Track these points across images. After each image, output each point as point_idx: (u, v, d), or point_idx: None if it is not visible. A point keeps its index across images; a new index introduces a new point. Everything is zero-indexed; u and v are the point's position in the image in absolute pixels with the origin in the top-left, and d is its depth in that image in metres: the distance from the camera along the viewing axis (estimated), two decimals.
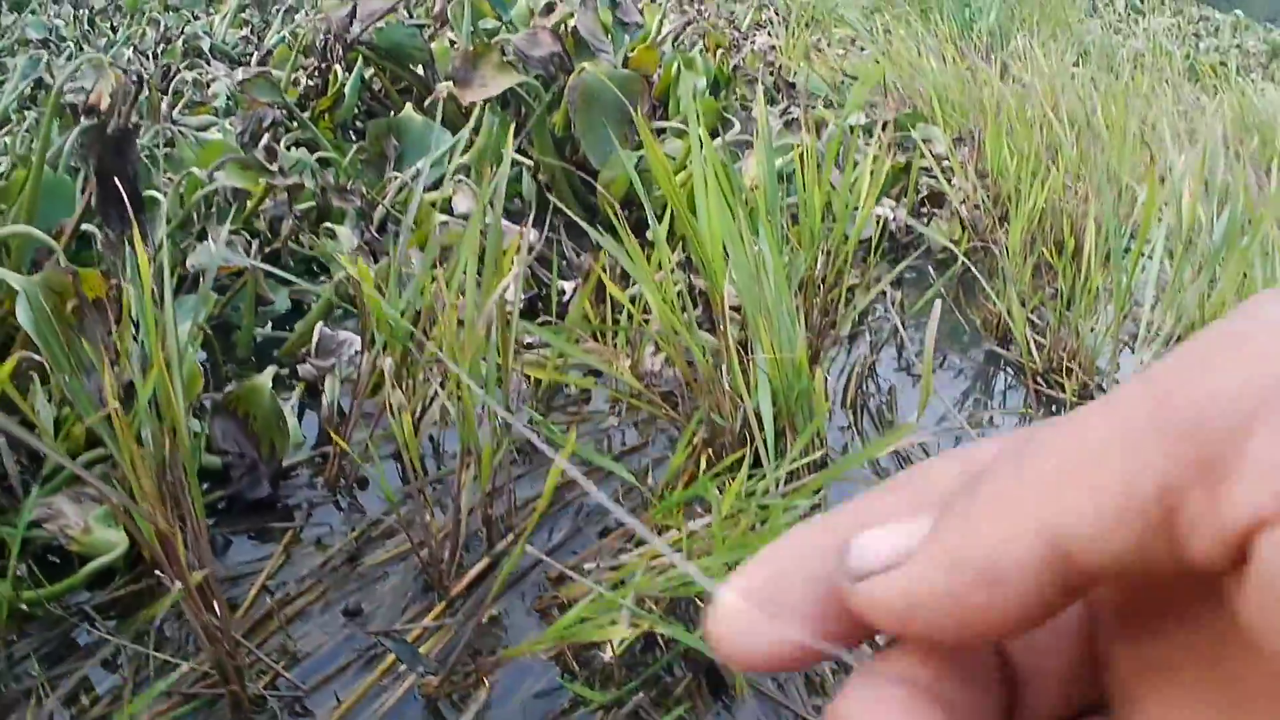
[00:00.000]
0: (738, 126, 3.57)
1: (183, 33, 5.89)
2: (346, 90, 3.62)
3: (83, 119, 2.75)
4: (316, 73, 3.94)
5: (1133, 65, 7.40)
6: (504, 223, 2.60)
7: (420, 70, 3.89)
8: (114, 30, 6.42)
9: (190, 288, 2.47)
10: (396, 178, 2.99)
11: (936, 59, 5.32)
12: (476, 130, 3.28)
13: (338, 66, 3.68)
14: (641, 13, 3.66)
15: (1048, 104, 4.29)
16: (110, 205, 2.03)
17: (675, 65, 3.76)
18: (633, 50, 3.56)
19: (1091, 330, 2.88)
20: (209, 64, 5.26)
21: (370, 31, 3.79)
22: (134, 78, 4.55)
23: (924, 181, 3.86)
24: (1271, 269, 2.93)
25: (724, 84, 4.07)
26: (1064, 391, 2.76)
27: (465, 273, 1.82)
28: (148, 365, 1.58)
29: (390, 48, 3.81)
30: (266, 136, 3.34)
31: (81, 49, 5.65)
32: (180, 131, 3.86)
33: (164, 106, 4.10)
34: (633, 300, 2.41)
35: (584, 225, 2.23)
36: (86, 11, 6.83)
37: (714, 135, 3.62)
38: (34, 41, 5.77)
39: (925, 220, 3.72)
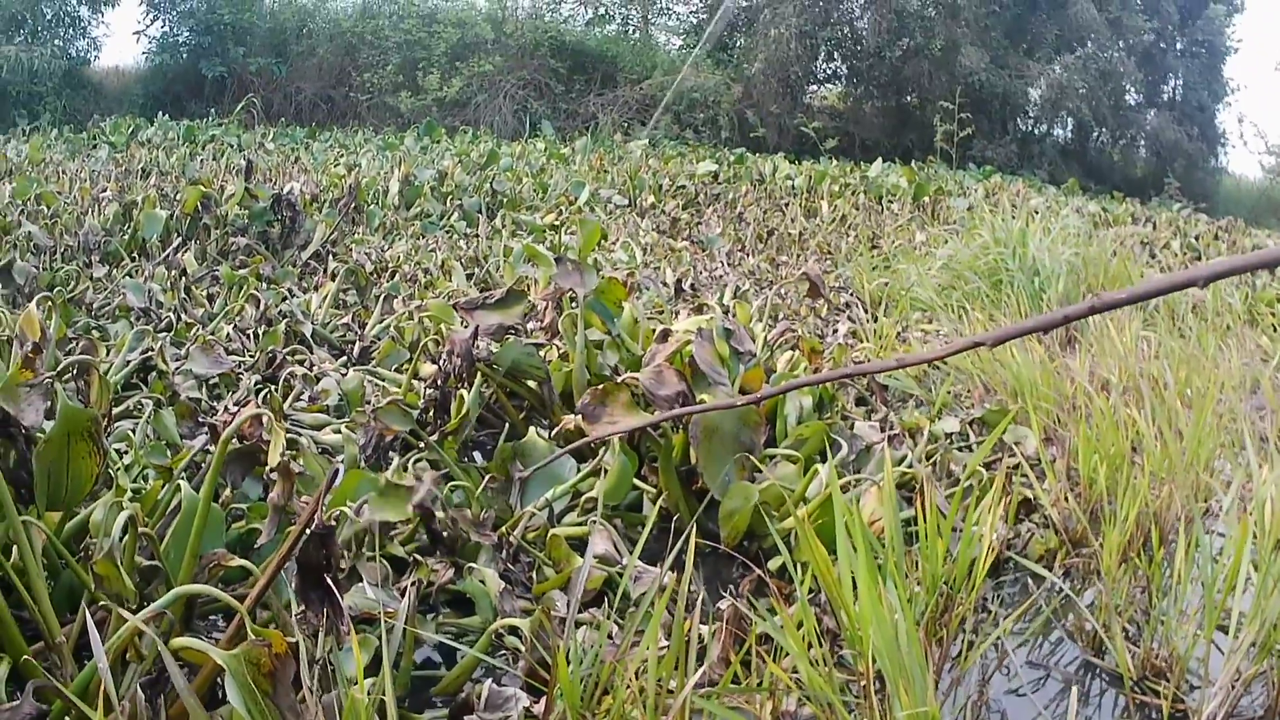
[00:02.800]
0: (845, 448, 3.79)
1: (281, 312, 6.14)
2: (469, 411, 3.85)
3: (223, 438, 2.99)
4: (435, 385, 4.15)
5: (1197, 318, 7.60)
6: (644, 567, 2.82)
7: (535, 385, 4.14)
8: (210, 300, 6.66)
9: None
10: (528, 512, 3.22)
11: (1018, 346, 5.52)
12: (590, 455, 3.53)
13: (463, 391, 3.91)
14: (753, 339, 3.90)
15: (1132, 401, 4.48)
16: (311, 590, 2.26)
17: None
18: None
19: (1183, 637, 3.01)
20: (311, 350, 5.53)
21: (490, 348, 4.07)
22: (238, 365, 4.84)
23: (1017, 486, 4.02)
24: None
25: (828, 401, 4.29)
26: (1160, 698, 2.88)
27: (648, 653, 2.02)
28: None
29: (509, 365, 4.07)
30: (395, 459, 3.59)
31: (179, 318, 5.92)
32: (296, 431, 4.11)
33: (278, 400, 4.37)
34: (766, 637, 2.62)
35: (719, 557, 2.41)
36: (183, 278, 7.02)
37: (822, 457, 3.85)
38: (135, 310, 5.98)
39: (1021, 528, 3.88)
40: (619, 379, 3.39)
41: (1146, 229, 13.98)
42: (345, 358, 5.63)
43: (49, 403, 2.66)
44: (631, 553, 2.82)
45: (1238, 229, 15.84)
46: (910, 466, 3.88)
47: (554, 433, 3.57)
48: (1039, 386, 4.89)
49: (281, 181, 11.16)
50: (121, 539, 2.52)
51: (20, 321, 3.15)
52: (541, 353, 4.42)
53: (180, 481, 2.72)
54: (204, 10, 28.57)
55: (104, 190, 9.90)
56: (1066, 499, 3.88)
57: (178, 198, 8.40)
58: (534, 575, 3.10)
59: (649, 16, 32.87)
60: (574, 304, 4.28)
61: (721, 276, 8.67)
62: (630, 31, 32.92)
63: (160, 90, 27.91)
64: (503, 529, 3.15)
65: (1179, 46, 34.01)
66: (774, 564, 3.33)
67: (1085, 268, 8.21)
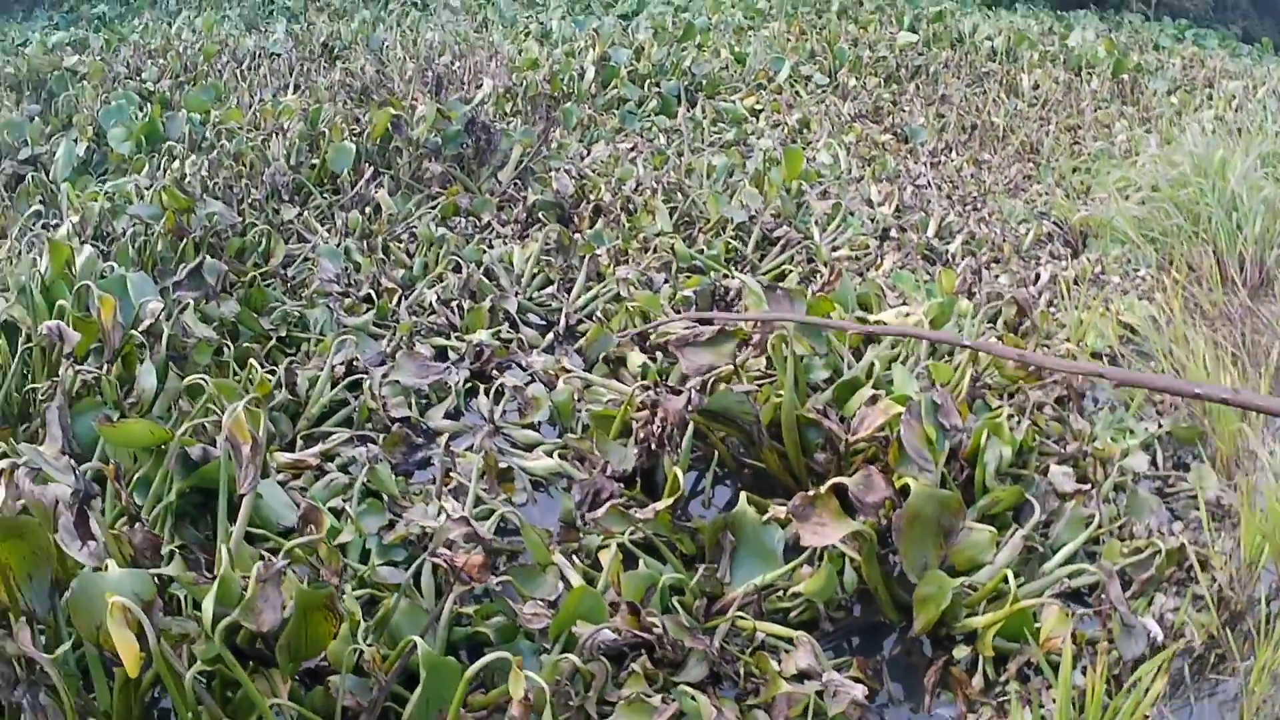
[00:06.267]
0: (1037, 511, 3.96)
1: (487, 270, 6.31)
2: (682, 491, 4.02)
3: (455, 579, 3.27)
4: (647, 454, 4.32)
5: None
6: (840, 682, 3.07)
7: (744, 424, 4.29)
8: (410, 256, 6.68)
9: None
10: (734, 614, 3.49)
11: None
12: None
13: (677, 470, 4.02)
14: (959, 410, 4.01)
15: None
16: None
17: (983, 432, 4.15)
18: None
19: None
20: (517, 329, 5.76)
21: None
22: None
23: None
24: None
25: (1027, 450, 4.41)
26: None
27: None
28: None
29: (719, 410, 4.23)
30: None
31: (379, 285, 6.07)
32: (509, 441, 4.46)
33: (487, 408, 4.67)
34: None
35: None
36: (376, 219, 7.10)
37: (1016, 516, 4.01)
38: (333, 294, 5.86)
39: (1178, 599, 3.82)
40: (826, 483, 3.55)
41: None
42: (553, 333, 5.84)
43: (284, 596, 2.73)
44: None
45: None
46: (1100, 527, 3.98)
47: (766, 517, 3.76)
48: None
49: (471, 68, 11.15)
50: None
51: (229, 426, 3.14)
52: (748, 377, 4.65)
53: (416, 640, 2.87)
54: None
55: (284, 85, 10.33)
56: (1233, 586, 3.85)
57: (367, 119, 8.37)
58: (740, 670, 3.35)
59: None
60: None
61: (925, 188, 8.73)
62: None
63: None
64: (709, 622, 3.41)
65: None
66: (959, 653, 3.51)
67: None
